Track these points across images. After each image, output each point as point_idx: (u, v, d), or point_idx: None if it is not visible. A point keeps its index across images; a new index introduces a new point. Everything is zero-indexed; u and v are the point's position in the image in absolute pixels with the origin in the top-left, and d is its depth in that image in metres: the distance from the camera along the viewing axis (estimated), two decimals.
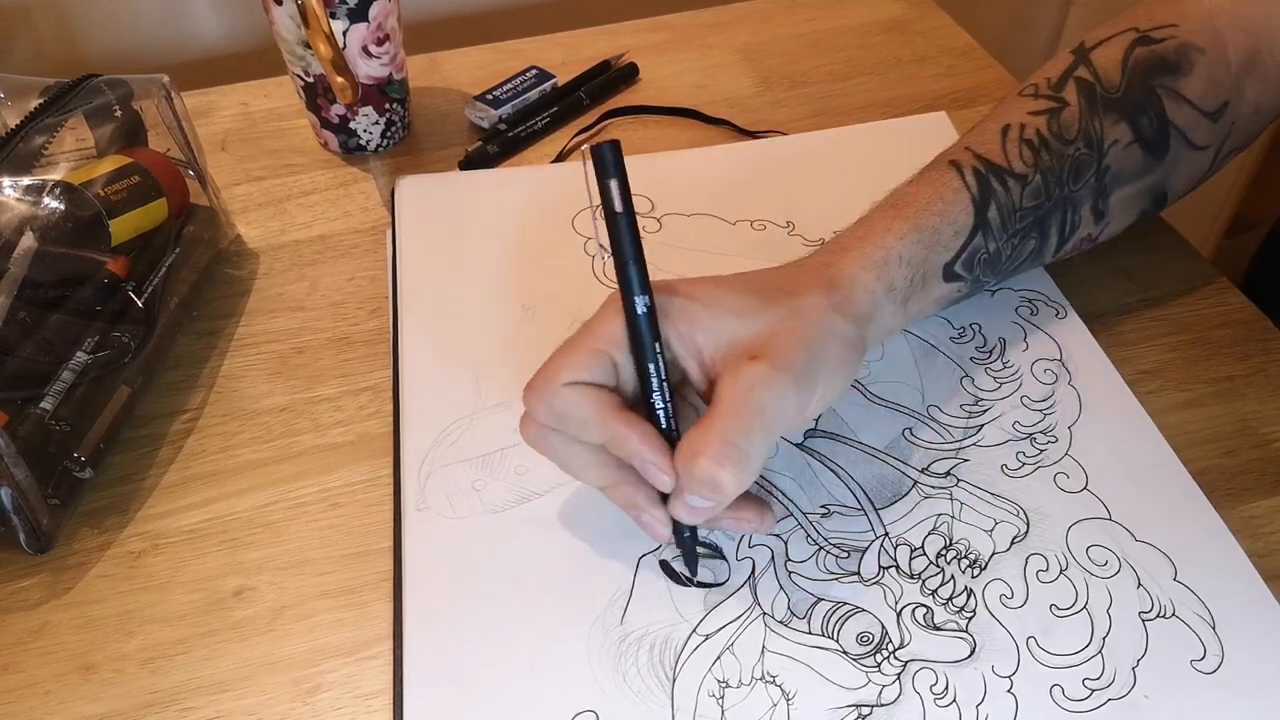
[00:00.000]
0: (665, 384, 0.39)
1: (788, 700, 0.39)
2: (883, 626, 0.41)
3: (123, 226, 0.50)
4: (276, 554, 0.45)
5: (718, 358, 0.40)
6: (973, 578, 0.42)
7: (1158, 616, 0.41)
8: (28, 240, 0.46)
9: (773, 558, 0.43)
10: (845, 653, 0.40)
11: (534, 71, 0.70)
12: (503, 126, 0.66)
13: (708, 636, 0.40)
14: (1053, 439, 0.47)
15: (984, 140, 0.48)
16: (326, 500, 0.47)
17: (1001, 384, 0.49)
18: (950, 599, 0.42)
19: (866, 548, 0.43)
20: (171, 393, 0.51)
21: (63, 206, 0.48)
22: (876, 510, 0.45)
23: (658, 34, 0.75)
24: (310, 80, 0.62)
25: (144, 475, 0.48)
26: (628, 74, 0.71)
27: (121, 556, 0.45)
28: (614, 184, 0.38)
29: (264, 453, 0.49)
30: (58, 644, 0.42)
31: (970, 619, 0.41)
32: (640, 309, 0.38)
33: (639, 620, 0.41)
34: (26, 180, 0.48)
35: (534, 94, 0.68)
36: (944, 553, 0.43)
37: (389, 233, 0.59)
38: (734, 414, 0.37)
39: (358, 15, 0.58)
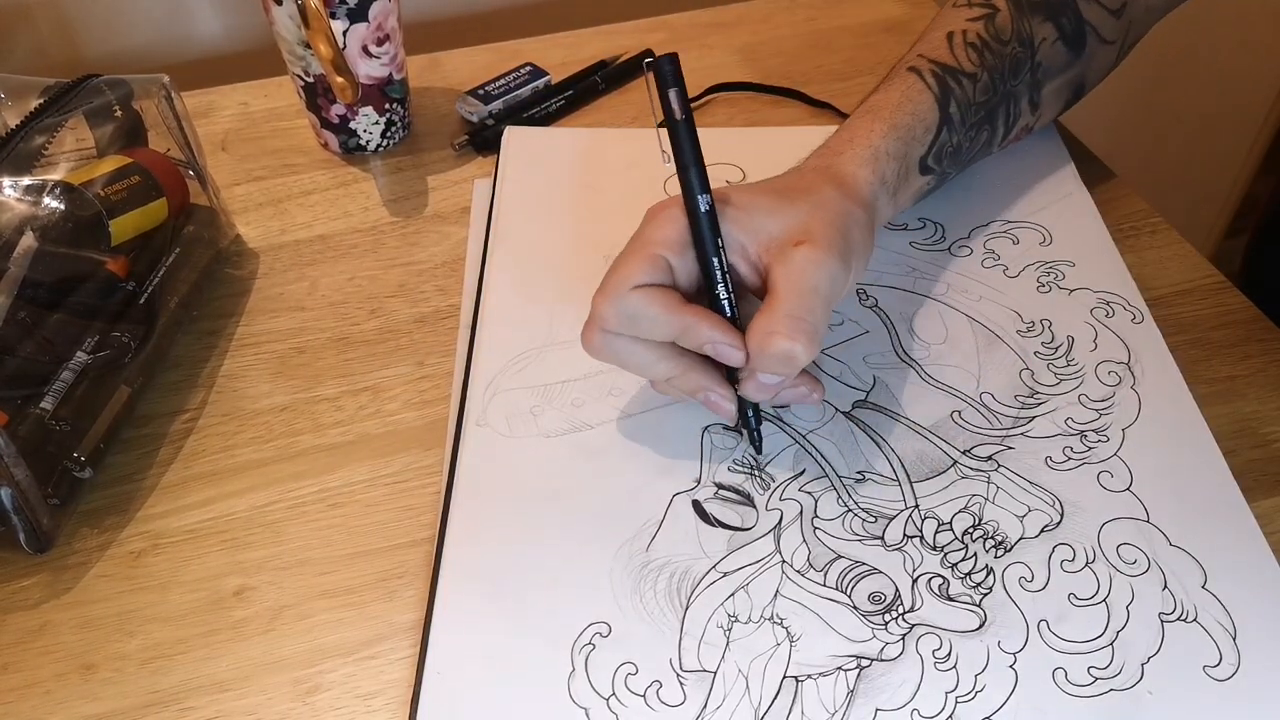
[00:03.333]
0: (727, 276, 0.43)
1: (792, 642, 0.40)
2: (896, 589, 0.42)
3: (123, 226, 0.50)
4: (276, 554, 0.45)
5: (762, 252, 0.44)
6: (995, 558, 0.43)
7: (1178, 619, 0.41)
8: (28, 240, 0.46)
9: (801, 512, 0.44)
10: (855, 608, 0.41)
11: (527, 68, 0.70)
12: (491, 121, 0.67)
13: (725, 574, 0.42)
14: (1104, 438, 0.47)
15: (933, 47, 0.53)
16: (326, 500, 0.47)
17: (1062, 380, 0.49)
18: (969, 574, 0.42)
19: (895, 516, 0.44)
20: (171, 392, 0.51)
21: (63, 206, 0.48)
22: (911, 483, 0.45)
23: (658, 34, 0.75)
24: (310, 80, 0.62)
25: (144, 475, 0.48)
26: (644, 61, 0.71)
27: (121, 556, 0.45)
28: (673, 93, 0.42)
29: (264, 453, 0.49)
30: (58, 643, 0.42)
31: (985, 595, 0.41)
32: (703, 207, 0.42)
33: (663, 550, 0.43)
34: (27, 180, 0.48)
35: (526, 90, 0.69)
36: (971, 531, 0.43)
37: (475, 182, 0.63)
38: (795, 294, 0.42)
39: (358, 15, 0.58)
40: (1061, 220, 0.57)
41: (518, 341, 0.51)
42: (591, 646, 0.40)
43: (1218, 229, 1.30)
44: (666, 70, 0.42)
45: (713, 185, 0.43)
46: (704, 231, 0.43)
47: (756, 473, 0.46)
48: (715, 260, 0.43)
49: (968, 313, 0.52)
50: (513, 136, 0.64)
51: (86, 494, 0.47)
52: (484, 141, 0.65)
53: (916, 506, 0.44)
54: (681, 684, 0.39)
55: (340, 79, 0.57)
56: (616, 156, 0.62)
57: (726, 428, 0.47)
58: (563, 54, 0.72)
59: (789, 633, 0.41)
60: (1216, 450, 0.46)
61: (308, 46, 0.59)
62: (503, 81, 0.69)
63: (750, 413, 0.46)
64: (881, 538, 0.43)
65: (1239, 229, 1.34)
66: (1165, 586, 0.42)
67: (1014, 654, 0.40)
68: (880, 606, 0.41)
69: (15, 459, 0.42)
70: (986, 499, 0.45)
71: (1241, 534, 0.43)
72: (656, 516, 0.44)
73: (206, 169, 0.57)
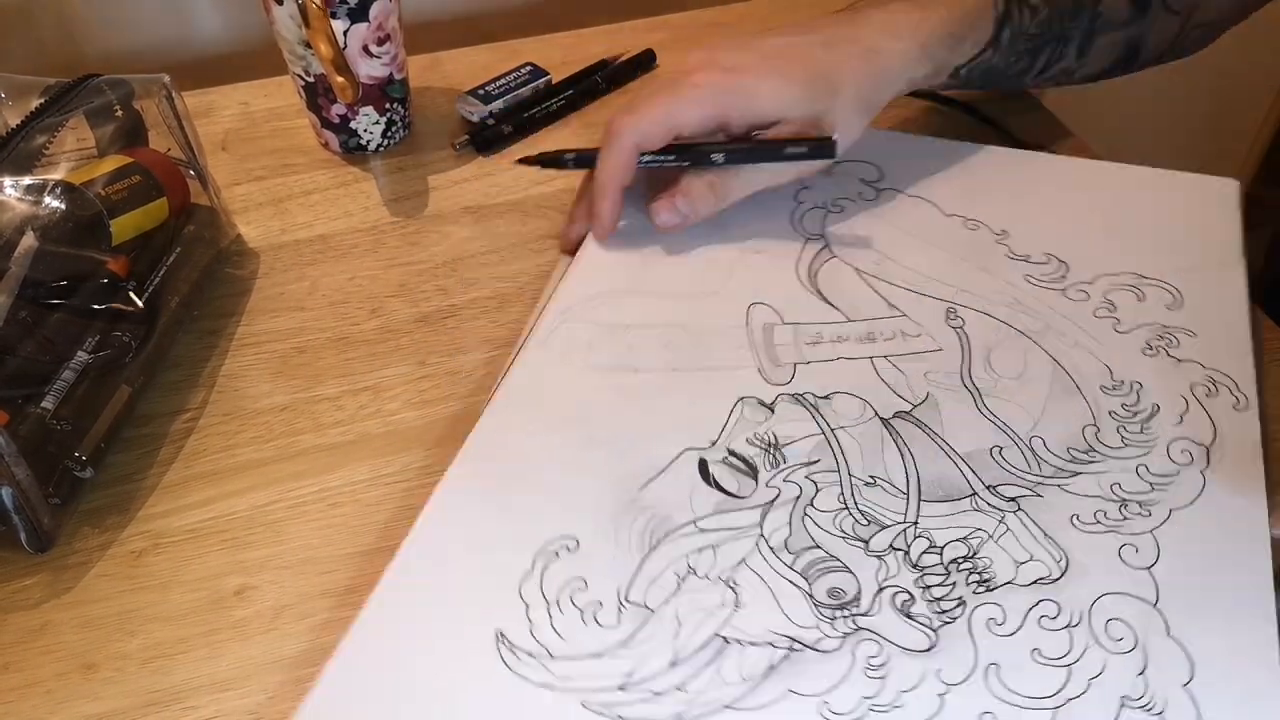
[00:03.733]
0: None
1: (735, 608, 0.41)
2: (859, 590, 0.41)
3: (123, 226, 0.50)
4: (277, 553, 0.45)
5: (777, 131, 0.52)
6: (973, 593, 0.41)
7: (1141, 709, 0.38)
8: (28, 240, 0.46)
9: (798, 496, 0.44)
10: (811, 596, 0.41)
11: (528, 68, 0.70)
12: (491, 121, 0.67)
13: (702, 531, 0.43)
14: (1145, 513, 0.44)
15: None
16: (326, 500, 0.47)
17: (1127, 445, 0.46)
18: (939, 600, 0.41)
19: (888, 526, 0.44)
20: (172, 392, 0.51)
21: (64, 206, 0.48)
22: (920, 501, 0.45)
23: (658, 34, 0.75)
24: (311, 80, 0.62)
25: (144, 475, 0.48)
26: (645, 61, 0.72)
27: (122, 556, 0.45)
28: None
29: (264, 452, 0.49)
30: (58, 643, 0.42)
31: (946, 624, 0.40)
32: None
33: (655, 494, 0.44)
34: (27, 180, 0.48)
35: (526, 90, 0.69)
36: (959, 561, 0.42)
37: None
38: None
39: (358, 15, 0.58)
40: (1202, 288, 0.53)
41: (606, 281, 0.54)
42: (555, 555, 0.42)
43: None
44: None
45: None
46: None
47: (771, 450, 0.46)
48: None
49: (1056, 356, 0.50)
50: None
51: (87, 493, 0.47)
52: (484, 141, 0.65)
53: (915, 524, 0.44)
54: (620, 612, 0.41)
55: (341, 79, 0.57)
56: None
57: (761, 402, 0.48)
58: (563, 54, 0.72)
59: (737, 598, 0.41)
60: (1267, 559, 0.42)
61: (308, 46, 0.59)
62: (503, 81, 0.69)
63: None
64: (866, 542, 0.43)
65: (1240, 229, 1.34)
66: (1142, 672, 0.39)
67: (949, 685, 0.38)
68: (836, 603, 0.41)
69: (16, 458, 0.42)
70: (990, 536, 0.43)
71: (1254, 648, 0.39)
72: (662, 463, 0.45)
73: (207, 169, 0.57)
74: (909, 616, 0.41)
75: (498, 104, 0.67)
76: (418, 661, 0.39)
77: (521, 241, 0.59)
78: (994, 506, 0.44)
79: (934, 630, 0.40)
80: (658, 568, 0.42)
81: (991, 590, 0.41)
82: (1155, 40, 0.58)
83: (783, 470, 0.46)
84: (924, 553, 0.43)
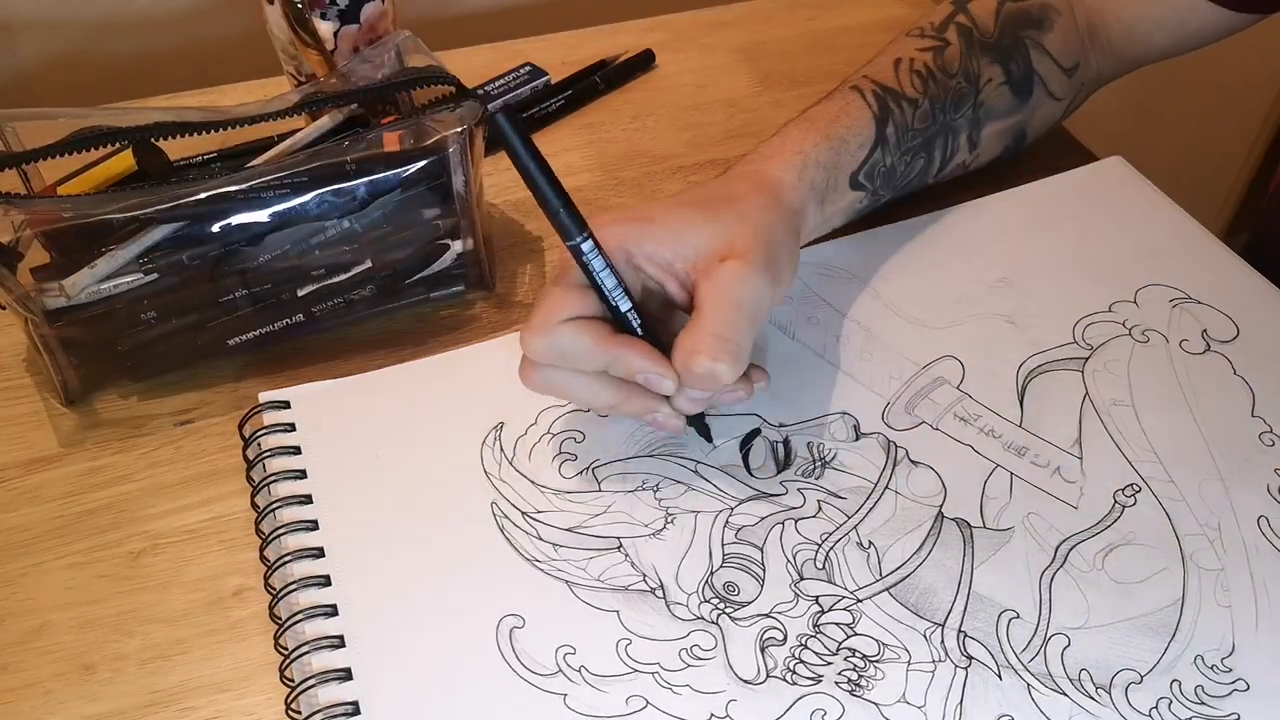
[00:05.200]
0: (627, 299, 0.43)
1: (652, 535, 0.44)
2: (750, 602, 0.42)
3: None
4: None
5: (689, 269, 0.44)
6: (833, 682, 0.40)
7: None
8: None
9: (793, 508, 0.45)
10: (711, 574, 0.43)
11: (527, 68, 0.70)
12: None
13: (694, 472, 0.47)
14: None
15: (880, 70, 0.54)
16: None
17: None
18: (799, 660, 0.41)
19: (834, 584, 0.43)
20: (172, 392, 0.51)
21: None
22: (887, 590, 0.43)
23: (658, 34, 0.75)
24: (302, 79, 0.61)
25: (144, 475, 0.48)
26: (644, 61, 0.72)
27: (121, 556, 0.45)
28: (520, 147, 0.40)
29: None
30: (57, 644, 0.42)
31: (781, 679, 0.40)
32: (584, 246, 0.42)
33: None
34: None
35: (525, 90, 0.69)
36: (854, 656, 0.41)
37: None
38: (719, 311, 0.42)
39: (349, 17, 0.58)
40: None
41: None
42: (569, 439, 0.48)
43: (1218, 228, 1.30)
44: (505, 127, 0.39)
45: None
46: (589, 269, 0.42)
47: (817, 464, 0.47)
48: (616, 294, 0.42)
49: (1185, 604, 0.43)
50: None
51: (87, 492, 0.47)
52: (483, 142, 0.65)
53: (858, 601, 0.42)
54: (580, 475, 0.46)
55: (331, 80, 0.56)
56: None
57: (855, 428, 0.48)
58: (562, 54, 0.72)
59: (660, 531, 0.44)
60: None
61: (302, 45, 0.58)
62: (502, 81, 0.69)
63: (696, 419, 0.47)
64: (801, 578, 0.43)
65: (1239, 228, 1.34)
66: None
67: None
68: (723, 594, 0.42)
69: None
70: (908, 663, 0.41)
71: None
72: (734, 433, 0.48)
73: None
74: (761, 650, 0.41)
75: (497, 104, 0.67)
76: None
77: (521, 241, 0.59)
78: (945, 648, 0.41)
79: (767, 675, 0.40)
80: (636, 468, 0.46)
81: (850, 694, 0.40)
82: (1038, 125, 0.60)
83: (808, 483, 0.46)
84: (835, 624, 0.42)
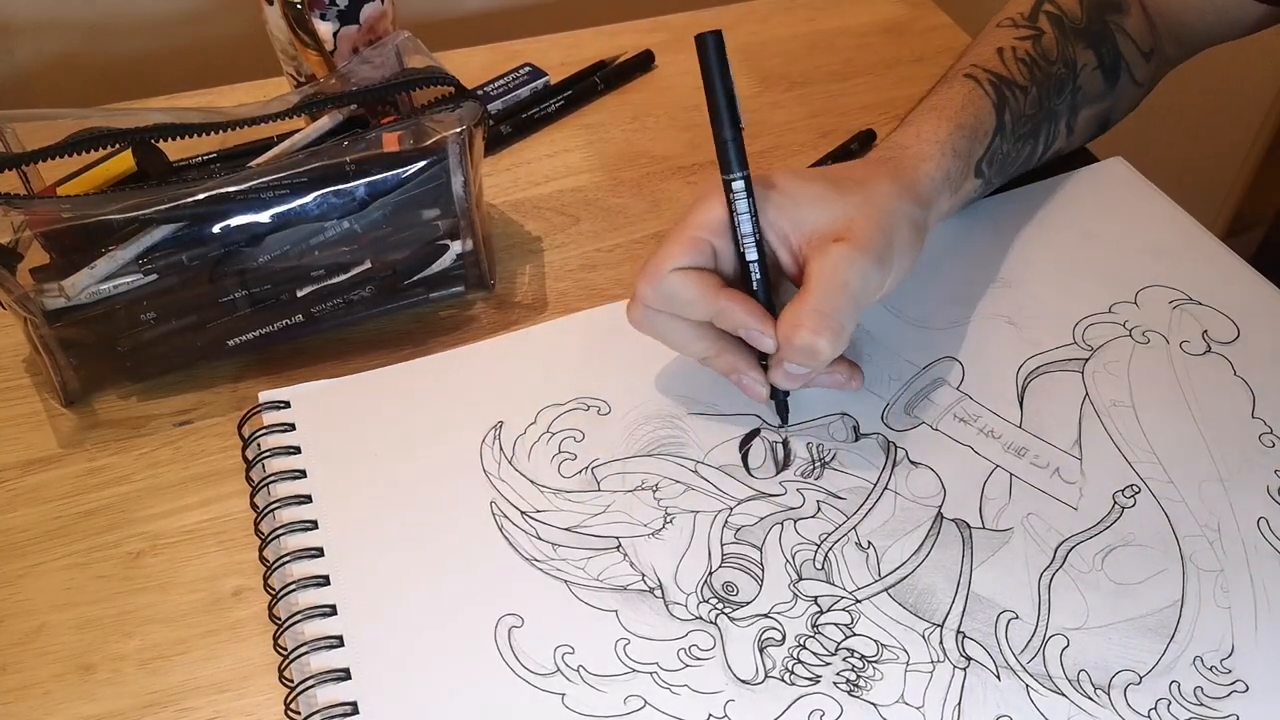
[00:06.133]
0: (762, 256, 0.45)
1: (651, 536, 0.44)
2: (750, 602, 0.42)
3: None
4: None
5: (804, 242, 0.45)
6: (831, 683, 0.40)
7: None
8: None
9: (792, 508, 0.45)
10: (710, 574, 0.43)
11: (527, 69, 0.70)
12: (490, 122, 0.67)
13: (693, 471, 0.47)
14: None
15: (986, 59, 0.55)
16: None
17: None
18: (798, 660, 0.41)
19: (832, 585, 0.43)
20: (172, 392, 0.51)
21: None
22: (886, 591, 0.43)
23: (658, 34, 0.75)
24: (302, 80, 0.61)
25: (143, 475, 0.48)
26: (643, 61, 0.72)
27: (120, 556, 0.45)
28: (715, 69, 0.43)
29: None
30: (56, 644, 0.42)
31: (780, 680, 0.40)
32: (737, 185, 0.44)
33: (697, 422, 0.49)
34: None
35: (525, 91, 0.69)
36: (852, 655, 0.41)
37: None
38: (825, 289, 0.43)
39: (348, 17, 0.58)
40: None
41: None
42: (585, 408, 0.49)
43: (1218, 228, 1.30)
44: (710, 46, 0.43)
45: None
46: (735, 206, 0.44)
47: (817, 465, 0.47)
48: (750, 239, 0.44)
49: (1186, 603, 0.43)
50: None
51: (86, 493, 0.47)
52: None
53: (857, 602, 0.42)
54: (579, 474, 0.46)
55: (331, 80, 0.56)
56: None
57: (855, 429, 0.48)
58: (562, 54, 0.72)
59: (659, 531, 0.44)
60: None
61: (302, 45, 0.58)
62: (501, 82, 0.69)
63: (780, 395, 0.47)
64: (800, 578, 0.43)
65: (1239, 229, 1.34)
66: None
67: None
68: (722, 594, 0.42)
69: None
70: (906, 663, 0.41)
71: None
72: (727, 413, 0.49)
73: None
74: (759, 651, 0.41)
75: (496, 105, 0.67)
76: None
77: (520, 242, 0.59)
78: (943, 649, 0.41)
79: (765, 675, 0.40)
80: (635, 468, 0.46)
81: (849, 695, 0.40)
82: (1123, 109, 0.61)
83: (807, 483, 0.46)
84: (834, 624, 0.42)
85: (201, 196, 0.46)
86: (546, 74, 0.70)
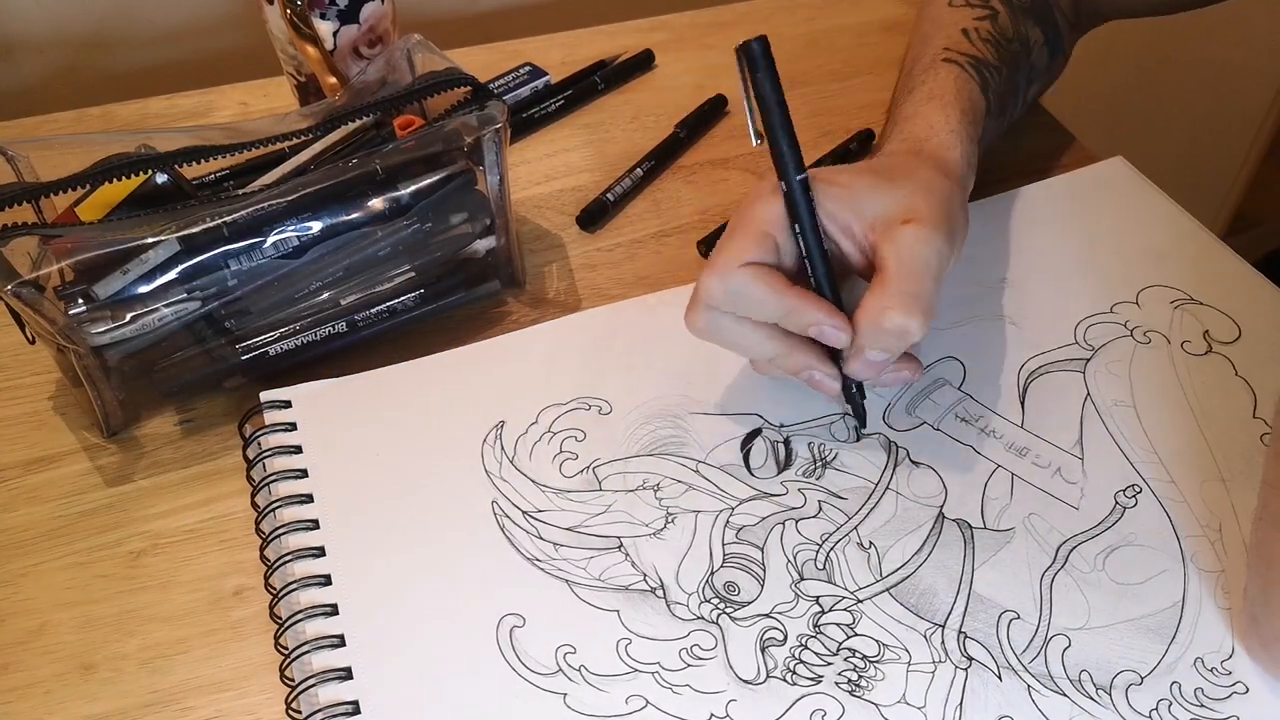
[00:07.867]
0: (824, 253, 0.44)
1: (653, 535, 0.44)
2: (751, 602, 0.42)
3: None
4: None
5: (867, 231, 0.44)
6: (833, 683, 0.40)
7: None
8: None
9: (794, 508, 0.45)
10: (712, 574, 0.43)
11: (527, 68, 0.70)
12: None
13: (694, 471, 0.47)
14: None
15: (956, 42, 0.55)
16: None
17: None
18: (800, 660, 0.41)
19: (833, 584, 0.43)
20: None
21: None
22: (887, 591, 0.43)
23: (658, 34, 0.75)
24: (303, 79, 0.61)
25: (144, 474, 0.48)
26: (643, 61, 0.72)
27: (121, 556, 0.45)
28: (763, 75, 0.43)
29: None
30: (57, 643, 0.42)
31: (781, 679, 0.40)
32: (798, 185, 0.43)
33: (698, 423, 0.49)
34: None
35: (525, 90, 0.69)
36: (854, 656, 0.41)
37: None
38: (907, 270, 0.43)
39: (348, 17, 0.58)
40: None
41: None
42: (587, 408, 0.49)
43: (1218, 228, 1.30)
44: (756, 52, 0.43)
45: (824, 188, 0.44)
46: (799, 208, 0.43)
47: (818, 465, 0.47)
48: (812, 236, 0.44)
49: (1186, 606, 0.43)
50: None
51: (87, 492, 0.47)
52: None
53: (859, 602, 0.42)
54: (580, 473, 0.46)
55: (331, 79, 0.56)
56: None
57: (857, 429, 0.48)
58: (562, 54, 0.72)
59: (660, 531, 0.45)
60: None
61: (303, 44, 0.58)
62: (502, 82, 0.69)
63: (854, 388, 0.47)
64: (802, 578, 0.43)
65: (1240, 229, 1.34)
66: None
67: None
68: (724, 594, 0.42)
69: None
70: (908, 664, 0.41)
71: None
72: (733, 412, 0.49)
73: None
74: (761, 651, 0.41)
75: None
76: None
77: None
78: (945, 649, 0.41)
79: (767, 675, 0.40)
80: (636, 468, 0.46)
81: (850, 695, 0.40)
82: (1051, 81, 0.61)
83: (808, 483, 0.46)
84: (835, 624, 0.42)
85: (236, 216, 0.46)
86: (547, 73, 0.70)
